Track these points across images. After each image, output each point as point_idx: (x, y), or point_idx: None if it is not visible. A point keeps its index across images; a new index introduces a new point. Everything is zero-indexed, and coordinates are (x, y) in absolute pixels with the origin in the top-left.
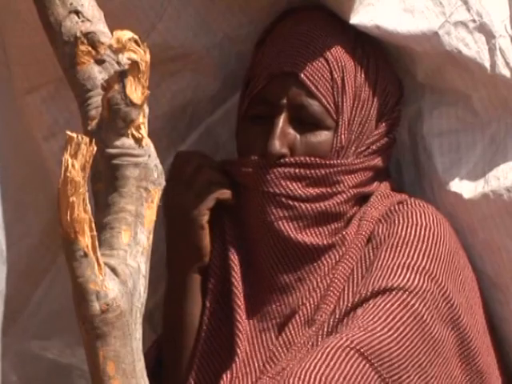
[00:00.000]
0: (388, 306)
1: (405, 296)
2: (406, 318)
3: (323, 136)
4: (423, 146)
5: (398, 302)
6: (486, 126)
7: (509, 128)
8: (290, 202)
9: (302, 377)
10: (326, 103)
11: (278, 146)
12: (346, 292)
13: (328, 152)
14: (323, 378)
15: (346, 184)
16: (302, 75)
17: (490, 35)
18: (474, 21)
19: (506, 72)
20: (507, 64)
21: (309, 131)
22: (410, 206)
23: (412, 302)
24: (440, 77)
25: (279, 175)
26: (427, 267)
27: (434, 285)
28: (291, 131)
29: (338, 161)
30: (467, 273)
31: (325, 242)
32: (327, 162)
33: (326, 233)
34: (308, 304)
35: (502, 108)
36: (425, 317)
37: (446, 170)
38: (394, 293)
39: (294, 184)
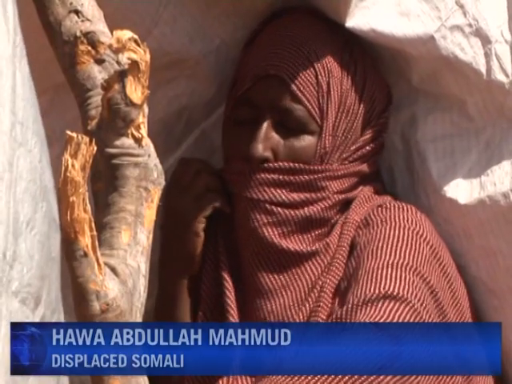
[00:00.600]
0: (386, 304)
1: (400, 295)
2: (409, 317)
3: (307, 141)
4: (417, 151)
5: (393, 302)
6: (480, 131)
7: (504, 133)
8: (274, 208)
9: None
10: (310, 107)
11: (260, 149)
12: (335, 307)
13: (312, 157)
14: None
15: (330, 190)
16: (287, 78)
17: (486, 40)
18: (470, 25)
19: (501, 77)
20: (503, 69)
21: (292, 135)
22: (388, 209)
23: (408, 299)
24: (435, 81)
25: (263, 181)
26: (410, 263)
27: (419, 279)
28: (274, 135)
29: (322, 166)
30: (451, 271)
31: (308, 249)
32: (311, 168)
33: (310, 239)
34: (298, 320)
35: (497, 113)
36: (421, 313)
37: (440, 175)
38: (389, 294)
39: (277, 190)
